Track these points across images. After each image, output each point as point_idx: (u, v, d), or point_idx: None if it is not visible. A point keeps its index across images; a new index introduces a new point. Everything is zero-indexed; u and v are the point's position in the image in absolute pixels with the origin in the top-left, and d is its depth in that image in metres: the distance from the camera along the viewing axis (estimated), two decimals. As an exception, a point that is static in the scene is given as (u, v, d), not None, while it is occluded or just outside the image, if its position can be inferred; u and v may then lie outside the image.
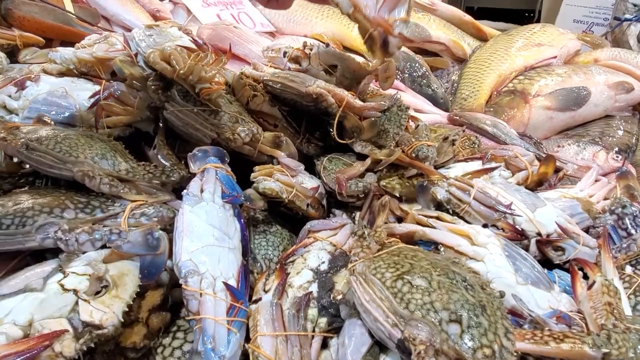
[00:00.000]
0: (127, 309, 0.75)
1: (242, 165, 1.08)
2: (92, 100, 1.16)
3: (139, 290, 0.79)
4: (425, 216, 1.02)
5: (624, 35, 2.41)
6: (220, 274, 0.80)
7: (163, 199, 0.96)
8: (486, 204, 1.02)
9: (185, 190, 0.91)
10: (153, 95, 1.09)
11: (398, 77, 1.93)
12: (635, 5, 2.46)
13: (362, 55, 1.72)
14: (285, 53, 1.37)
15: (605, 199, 1.23)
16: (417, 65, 2.00)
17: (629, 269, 0.98)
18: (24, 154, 0.89)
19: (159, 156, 1.06)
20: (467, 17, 2.40)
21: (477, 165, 1.26)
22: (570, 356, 0.69)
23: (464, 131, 1.48)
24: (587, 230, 1.10)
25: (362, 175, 1.11)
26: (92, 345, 0.70)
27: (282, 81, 1.22)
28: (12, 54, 1.44)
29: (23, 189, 0.94)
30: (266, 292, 0.86)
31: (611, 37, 2.47)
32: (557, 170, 1.34)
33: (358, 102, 1.17)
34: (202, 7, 2.09)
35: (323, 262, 0.93)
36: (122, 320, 0.73)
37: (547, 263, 0.99)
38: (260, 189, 1.01)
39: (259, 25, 2.08)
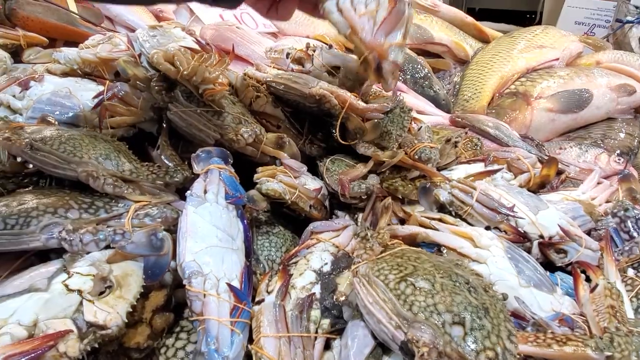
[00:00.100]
0: (131, 310, 0.76)
1: (245, 166, 1.08)
2: (96, 100, 1.16)
3: (142, 290, 0.79)
4: (428, 218, 1.02)
5: (626, 37, 2.41)
6: (223, 275, 0.81)
7: (167, 200, 0.96)
8: (489, 206, 1.02)
9: (188, 191, 0.91)
10: (156, 96, 1.09)
11: (400, 78, 1.93)
12: (637, 7, 2.46)
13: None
14: (288, 54, 1.37)
15: (608, 201, 1.23)
16: (419, 66, 2.00)
17: (631, 272, 0.99)
18: (29, 154, 0.89)
19: (162, 157, 1.07)
20: (469, 19, 2.40)
21: (479, 167, 1.27)
22: (573, 359, 0.70)
23: (466, 133, 1.48)
24: (589, 232, 1.10)
25: (364, 177, 1.11)
26: (96, 345, 0.70)
27: (285, 82, 1.22)
28: (16, 54, 1.44)
29: (27, 189, 0.95)
30: (269, 293, 0.86)
31: (613, 39, 2.47)
32: (559, 172, 1.35)
33: (361, 104, 1.18)
34: (204, 7, 2.09)
35: (326, 264, 0.93)
36: (126, 320, 0.74)
37: (549, 265, 1.00)
38: (263, 190, 1.01)
39: (261, 25, 2.08)
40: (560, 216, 1.04)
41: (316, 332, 0.81)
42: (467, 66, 2.14)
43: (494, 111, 1.92)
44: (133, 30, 1.61)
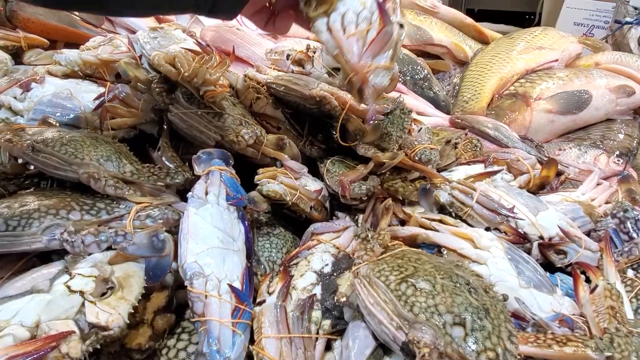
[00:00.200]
0: (133, 311, 0.76)
1: (245, 168, 1.08)
2: (97, 102, 1.16)
3: (144, 291, 0.80)
4: (428, 219, 1.03)
5: (625, 38, 2.41)
6: (225, 276, 0.81)
7: (168, 201, 0.96)
8: (489, 207, 1.02)
9: (190, 193, 0.91)
10: (157, 98, 1.09)
11: (400, 79, 1.93)
12: (635, 8, 2.46)
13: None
14: (288, 55, 1.38)
15: (607, 202, 1.24)
16: (418, 67, 2.01)
17: (630, 273, 0.99)
18: (30, 155, 0.90)
19: (163, 158, 1.07)
20: (469, 20, 2.40)
21: (479, 168, 1.27)
22: (573, 359, 0.70)
23: (466, 134, 1.48)
24: (588, 233, 1.11)
25: (365, 178, 1.11)
26: (98, 346, 0.70)
27: (286, 84, 1.23)
28: (17, 56, 1.44)
29: (28, 191, 0.95)
30: (270, 294, 0.86)
31: (612, 40, 2.48)
32: (559, 173, 1.35)
33: (361, 105, 1.18)
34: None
35: (326, 265, 0.93)
36: (128, 321, 0.74)
37: (549, 266, 1.00)
38: (264, 191, 1.01)
39: (261, 27, 2.08)
40: (559, 217, 1.05)
41: (317, 333, 0.81)
42: (467, 67, 2.14)
43: (493, 112, 1.92)
44: (134, 32, 1.62)
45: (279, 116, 1.26)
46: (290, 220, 1.13)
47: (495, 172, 1.23)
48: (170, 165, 1.05)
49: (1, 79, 1.23)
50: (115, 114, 1.13)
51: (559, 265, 1.00)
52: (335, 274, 0.91)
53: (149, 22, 1.87)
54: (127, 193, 0.93)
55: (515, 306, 0.84)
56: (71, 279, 0.75)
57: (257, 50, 1.66)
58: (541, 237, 1.01)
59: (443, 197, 1.06)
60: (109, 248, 0.84)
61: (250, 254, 0.93)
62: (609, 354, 0.68)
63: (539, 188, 1.25)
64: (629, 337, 0.71)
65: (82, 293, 0.73)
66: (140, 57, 1.25)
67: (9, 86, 1.20)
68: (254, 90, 1.24)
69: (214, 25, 1.79)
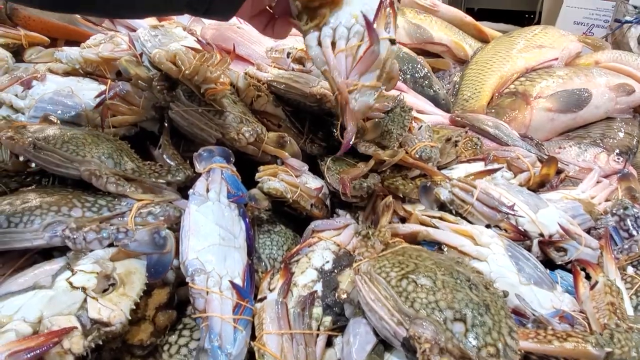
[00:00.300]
0: (134, 307, 0.76)
1: (246, 165, 1.09)
2: (98, 99, 1.16)
3: (145, 288, 0.80)
4: (429, 216, 1.03)
5: (624, 37, 2.41)
6: (226, 273, 0.81)
7: (169, 198, 0.96)
8: (489, 205, 1.03)
9: (191, 190, 0.91)
10: (158, 95, 1.09)
11: (400, 78, 1.93)
12: (635, 7, 2.46)
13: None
14: (288, 54, 1.38)
15: (607, 200, 1.24)
16: (418, 66, 2.01)
17: (630, 270, 0.99)
18: (32, 152, 0.90)
19: (164, 156, 1.07)
20: (469, 19, 2.40)
21: (479, 166, 1.27)
22: (574, 355, 0.70)
23: (466, 132, 1.49)
24: (588, 231, 1.11)
25: (365, 176, 1.12)
26: (100, 342, 0.70)
27: (286, 82, 1.23)
28: (18, 53, 1.44)
29: (30, 188, 0.95)
30: (271, 291, 0.87)
31: (611, 39, 2.48)
32: (559, 171, 1.35)
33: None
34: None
35: (327, 262, 0.94)
36: (130, 317, 0.74)
37: (549, 264, 1.00)
38: (265, 188, 1.02)
39: (261, 25, 2.08)
40: (560, 215, 1.05)
41: (318, 329, 0.81)
42: (467, 66, 2.15)
43: (493, 111, 1.92)
44: (134, 30, 1.62)
45: (279, 114, 1.26)
46: (291, 217, 1.13)
47: (495, 170, 1.23)
48: (171, 163, 1.05)
49: (2, 77, 1.23)
50: (116, 111, 1.13)
51: (559, 263, 1.01)
52: (335, 271, 0.91)
53: (150, 20, 1.87)
54: (128, 190, 0.93)
55: (515, 303, 0.85)
56: (73, 275, 0.75)
57: (258, 49, 1.66)
58: (541, 235, 1.01)
59: (443, 194, 1.06)
60: (111, 245, 0.84)
61: (251, 251, 0.93)
62: (609, 349, 0.68)
63: (539, 186, 1.25)
64: (629, 332, 0.71)
65: (84, 289, 0.73)
66: (141, 55, 1.26)
67: (10, 84, 1.20)
68: (255, 88, 1.25)
69: (215, 24, 1.79)
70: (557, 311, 0.84)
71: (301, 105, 1.25)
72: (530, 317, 0.82)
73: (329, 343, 0.82)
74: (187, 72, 1.04)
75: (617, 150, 1.75)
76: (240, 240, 0.90)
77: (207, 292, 0.77)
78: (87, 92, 1.21)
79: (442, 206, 1.08)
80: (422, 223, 1.03)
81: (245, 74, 1.31)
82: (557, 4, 2.75)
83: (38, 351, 0.63)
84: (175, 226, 0.91)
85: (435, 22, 2.27)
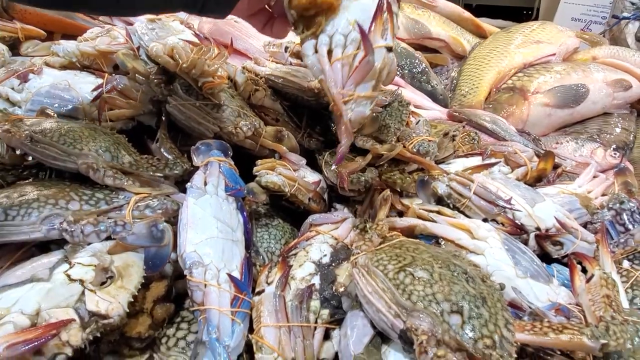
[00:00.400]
0: (132, 300, 0.76)
1: (244, 159, 1.09)
2: (95, 93, 1.16)
3: (143, 281, 0.80)
4: (426, 210, 1.03)
5: (622, 33, 2.42)
6: (224, 266, 0.81)
7: (167, 192, 0.96)
8: (486, 199, 1.03)
9: (189, 183, 0.91)
10: (156, 89, 1.09)
11: (398, 73, 1.93)
12: (633, 3, 2.47)
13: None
14: (286, 48, 1.37)
15: (603, 194, 1.25)
16: (416, 61, 2.01)
17: (626, 264, 1.00)
18: (28, 146, 0.90)
19: (161, 149, 1.07)
20: (467, 14, 2.40)
21: (477, 160, 1.28)
22: (569, 347, 0.71)
23: (464, 127, 1.49)
24: (585, 225, 1.12)
25: (363, 170, 1.12)
26: (98, 334, 0.71)
27: (284, 76, 1.23)
28: (14, 47, 1.44)
29: (27, 181, 0.95)
30: (269, 284, 0.87)
31: (609, 35, 2.48)
32: (556, 166, 1.36)
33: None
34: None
35: (325, 255, 0.94)
36: (127, 310, 0.74)
37: (545, 257, 1.01)
38: (263, 182, 1.02)
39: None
40: (556, 209, 1.05)
41: (316, 322, 0.82)
42: (465, 61, 2.15)
43: (491, 106, 1.93)
44: (131, 24, 1.61)
45: (277, 108, 1.26)
46: (289, 211, 1.13)
47: (492, 165, 1.23)
48: (169, 157, 1.05)
49: (-2, 70, 1.23)
50: (113, 105, 1.13)
51: (556, 256, 1.01)
52: (333, 265, 0.92)
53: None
54: (126, 183, 0.93)
55: (512, 296, 0.85)
56: (71, 267, 0.75)
57: (255, 43, 1.66)
58: (538, 229, 1.02)
59: (441, 188, 1.06)
60: (108, 238, 0.84)
61: (249, 244, 0.93)
62: (605, 341, 0.69)
63: (536, 180, 1.25)
64: (624, 325, 0.72)
65: (82, 282, 0.73)
66: (138, 48, 1.25)
67: (6, 77, 1.19)
68: (253, 82, 1.25)
69: (212, 18, 1.78)
70: (553, 304, 0.84)
71: (299, 100, 1.25)
72: (526, 309, 0.82)
73: (327, 336, 0.82)
74: (184, 65, 1.03)
75: (614, 146, 1.76)
76: (238, 234, 0.90)
77: (205, 285, 0.77)
78: (84, 85, 1.20)
79: (439, 200, 1.08)
80: (420, 217, 1.03)
81: (243, 68, 1.31)
82: (554, 0, 2.75)
83: (36, 343, 0.63)
84: (173, 219, 0.91)
85: (433, 17, 2.27)
